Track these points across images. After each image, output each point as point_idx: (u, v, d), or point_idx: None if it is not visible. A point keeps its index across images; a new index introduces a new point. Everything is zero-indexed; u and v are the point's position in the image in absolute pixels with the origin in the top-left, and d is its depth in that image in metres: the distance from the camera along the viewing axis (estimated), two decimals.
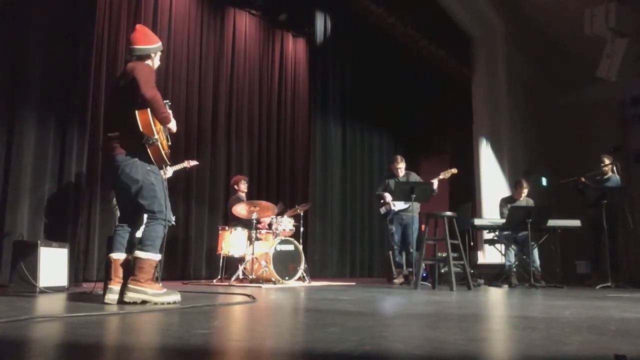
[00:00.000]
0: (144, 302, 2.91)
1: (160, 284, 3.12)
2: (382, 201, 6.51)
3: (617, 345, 1.68)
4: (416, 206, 6.32)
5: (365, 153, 10.22)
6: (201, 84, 7.66)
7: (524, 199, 6.77)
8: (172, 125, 3.20)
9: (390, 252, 6.66)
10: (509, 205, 6.51)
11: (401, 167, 6.56)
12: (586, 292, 5.05)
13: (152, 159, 3.02)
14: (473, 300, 3.83)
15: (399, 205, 6.38)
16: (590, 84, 9.27)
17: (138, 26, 3.35)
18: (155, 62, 3.27)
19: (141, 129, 2.94)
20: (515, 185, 6.95)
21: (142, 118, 2.96)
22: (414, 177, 6.51)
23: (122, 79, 3.11)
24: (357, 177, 9.96)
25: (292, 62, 9.31)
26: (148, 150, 2.98)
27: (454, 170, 6.49)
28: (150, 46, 3.22)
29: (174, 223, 3.31)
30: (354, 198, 9.77)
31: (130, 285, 2.92)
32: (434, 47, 8.68)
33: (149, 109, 2.97)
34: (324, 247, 8.86)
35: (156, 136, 2.97)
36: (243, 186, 6.79)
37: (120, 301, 2.94)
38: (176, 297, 3.04)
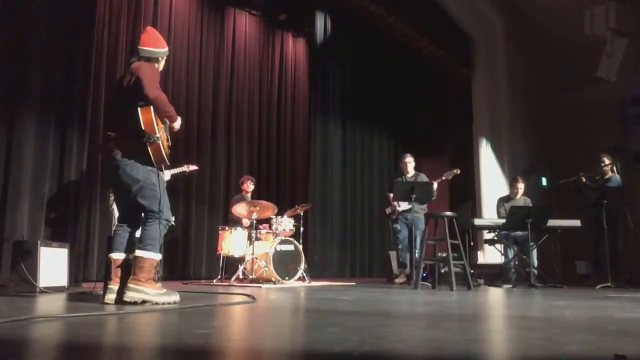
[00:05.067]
0: (144, 301, 2.91)
1: (160, 284, 3.12)
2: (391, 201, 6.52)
3: (617, 345, 1.68)
4: (420, 206, 6.30)
5: (365, 153, 10.20)
6: (201, 84, 7.66)
7: (521, 197, 6.75)
8: (177, 124, 3.19)
9: (392, 252, 6.63)
10: (505, 204, 6.48)
11: (409, 161, 6.53)
12: (586, 292, 5.05)
13: (152, 159, 2.99)
14: (473, 300, 3.83)
15: (403, 205, 6.37)
16: (590, 84, 9.27)
17: (149, 28, 3.34)
18: (160, 66, 3.26)
19: (143, 127, 2.93)
20: (510, 183, 6.94)
21: (145, 117, 2.94)
22: (422, 178, 6.43)
23: (126, 78, 3.07)
24: (357, 177, 9.94)
25: (292, 62, 9.31)
26: (149, 149, 2.95)
27: (457, 171, 6.46)
28: (158, 49, 3.22)
29: (173, 223, 3.30)
30: (354, 198, 9.76)
31: (130, 285, 2.90)
32: (434, 47, 8.69)
33: (152, 107, 2.96)
34: (324, 247, 8.85)
35: (158, 134, 2.96)
36: (247, 186, 6.76)
37: (120, 301, 2.92)
38: (175, 297, 3.04)
